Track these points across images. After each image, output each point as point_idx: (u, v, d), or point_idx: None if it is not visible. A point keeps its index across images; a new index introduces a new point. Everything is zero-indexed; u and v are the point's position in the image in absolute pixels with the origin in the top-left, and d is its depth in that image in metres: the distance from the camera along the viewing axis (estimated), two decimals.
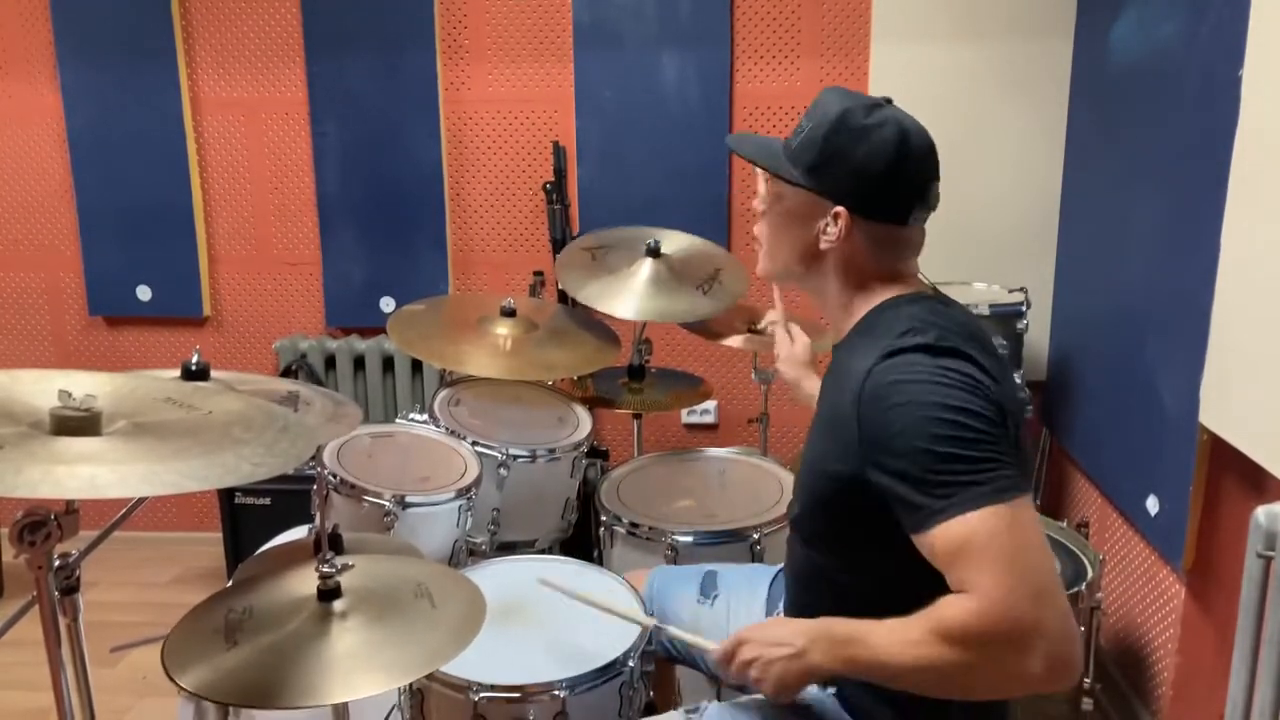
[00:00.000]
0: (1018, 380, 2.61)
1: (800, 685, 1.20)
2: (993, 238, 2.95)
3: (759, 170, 1.38)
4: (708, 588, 1.69)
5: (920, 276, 1.34)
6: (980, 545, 1.06)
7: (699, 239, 2.51)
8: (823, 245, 1.28)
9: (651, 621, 1.54)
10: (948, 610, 1.08)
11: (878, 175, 1.23)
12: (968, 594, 1.07)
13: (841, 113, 1.25)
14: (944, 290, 1.36)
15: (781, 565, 1.72)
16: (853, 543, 1.24)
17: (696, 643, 1.41)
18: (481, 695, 1.47)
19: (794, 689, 1.21)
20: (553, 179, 3.09)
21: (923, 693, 1.14)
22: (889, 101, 1.29)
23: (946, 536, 1.08)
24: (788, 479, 2.23)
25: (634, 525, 2.04)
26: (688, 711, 1.41)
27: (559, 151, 3.08)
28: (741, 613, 1.63)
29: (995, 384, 1.16)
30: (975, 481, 1.08)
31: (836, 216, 1.26)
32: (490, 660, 1.50)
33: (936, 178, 1.27)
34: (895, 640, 1.11)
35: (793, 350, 1.80)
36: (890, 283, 1.30)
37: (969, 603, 1.07)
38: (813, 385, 1.78)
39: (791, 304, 1.98)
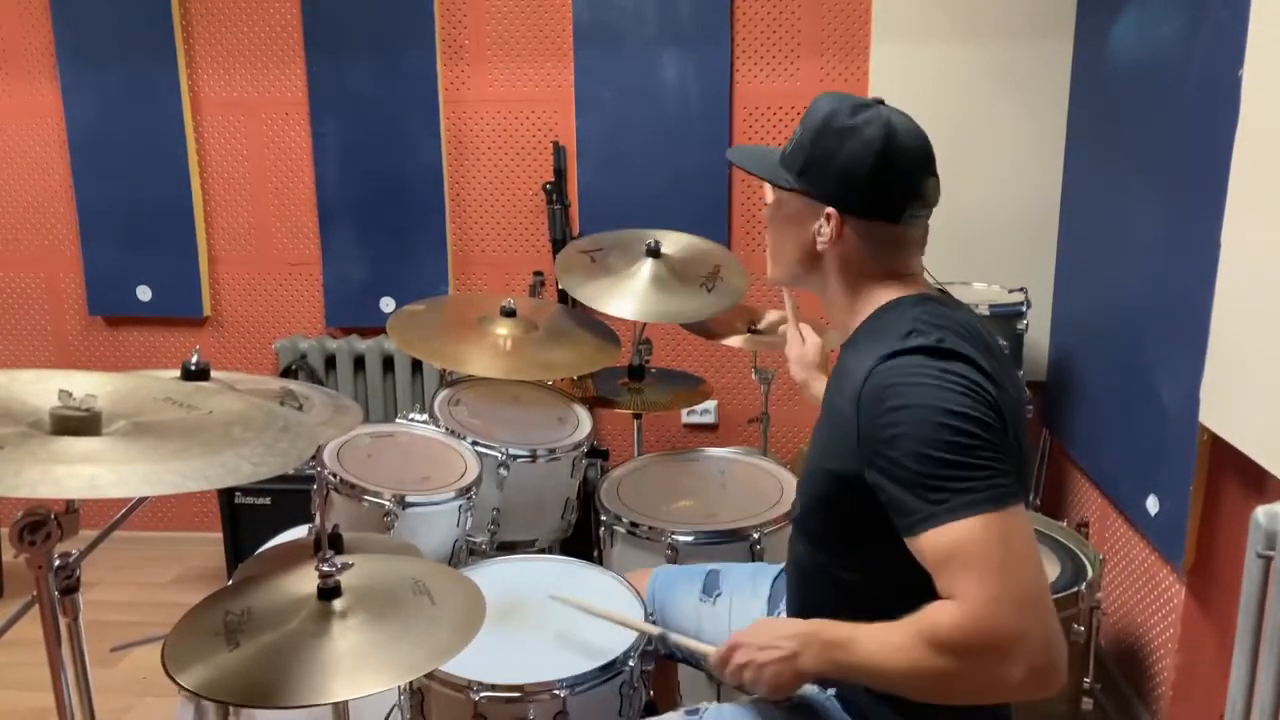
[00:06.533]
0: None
1: (794, 686, 1.21)
2: (993, 238, 2.95)
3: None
4: (710, 587, 1.69)
5: (926, 276, 1.34)
6: (969, 553, 1.07)
7: (696, 238, 2.51)
8: (819, 246, 1.29)
9: (658, 630, 1.54)
10: (934, 616, 1.09)
11: (864, 175, 1.24)
12: (954, 601, 1.08)
13: (828, 114, 1.27)
14: (944, 290, 1.36)
15: (784, 564, 1.72)
16: (854, 541, 1.24)
17: (697, 648, 1.42)
18: (481, 695, 1.47)
19: (788, 690, 1.22)
20: (553, 179, 3.09)
21: (909, 696, 1.15)
22: (880, 102, 1.29)
23: (936, 542, 1.09)
24: (788, 479, 2.23)
25: (634, 525, 2.04)
26: (688, 713, 1.41)
27: (559, 151, 3.08)
28: (743, 611, 1.63)
29: (996, 388, 1.15)
30: (969, 489, 1.08)
31: (828, 218, 1.27)
32: (490, 660, 1.50)
33: (931, 174, 1.27)
34: (882, 645, 1.13)
35: (803, 351, 1.77)
36: (891, 281, 1.30)
37: (954, 610, 1.07)
38: (821, 386, 1.76)
39: (805, 305, 1.94)
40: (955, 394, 1.11)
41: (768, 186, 1.40)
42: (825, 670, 1.18)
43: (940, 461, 1.09)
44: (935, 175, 1.28)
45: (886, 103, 1.30)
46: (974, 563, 1.06)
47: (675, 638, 1.50)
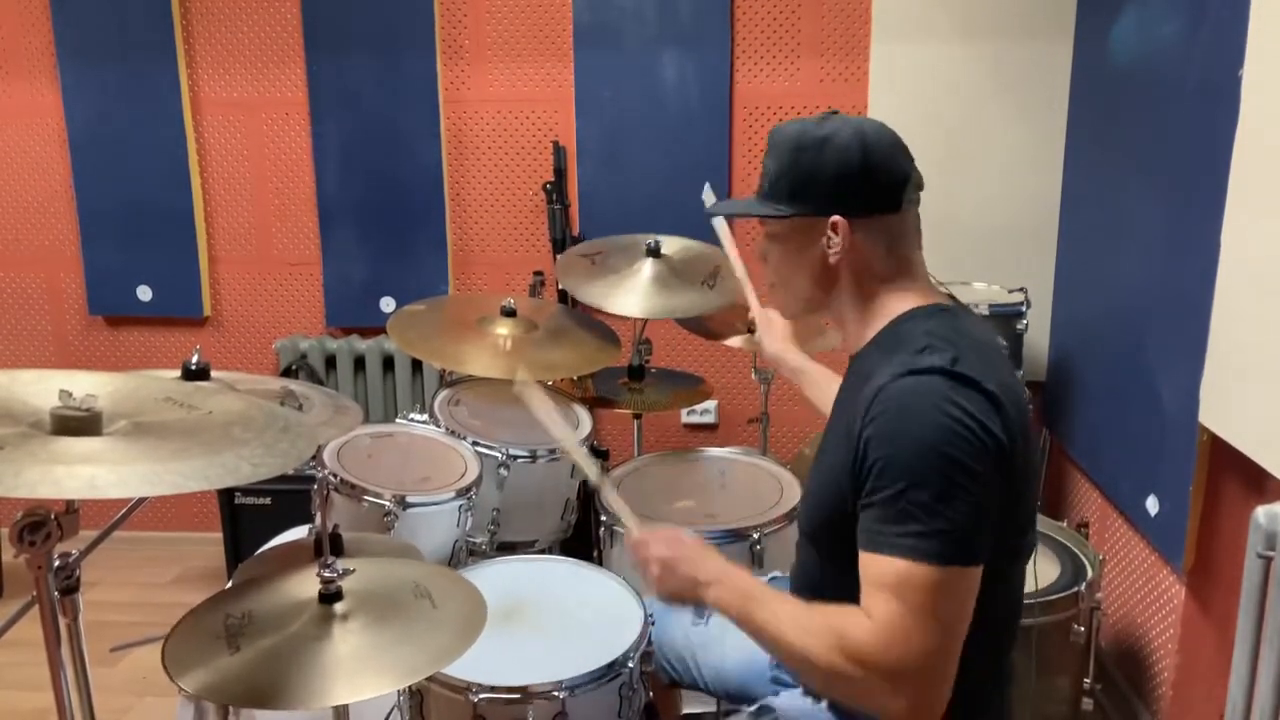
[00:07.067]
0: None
1: (685, 602, 1.31)
2: (993, 238, 2.95)
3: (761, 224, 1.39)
4: (700, 609, 1.70)
5: (933, 279, 1.34)
6: (903, 589, 1.11)
7: (695, 241, 2.52)
8: (832, 259, 1.29)
9: (594, 480, 1.65)
10: (851, 621, 1.14)
11: (855, 174, 1.25)
12: (871, 618, 1.12)
13: (797, 135, 1.29)
14: (953, 296, 1.36)
15: (771, 575, 1.73)
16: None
17: (625, 522, 1.50)
18: (481, 696, 1.47)
19: (676, 601, 1.32)
20: (553, 179, 3.09)
21: (792, 669, 1.25)
22: (834, 112, 1.32)
23: (880, 566, 1.13)
24: (788, 479, 2.23)
25: None
26: (687, 715, 1.42)
27: (559, 151, 3.08)
28: (734, 628, 1.64)
29: (1001, 416, 1.15)
30: (932, 534, 1.10)
31: (835, 227, 1.27)
32: (490, 661, 1.49)
33: (909, 157, 1.30)
34: (793, 621, 1.19)
35: (772, 327, 1.88)
36: (903, 285, 1.30)
37: (869, 627, 1.12)
38: (791, 358, 1.85)
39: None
40: (956, 433, 1.12)
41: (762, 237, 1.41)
42: (724, 610, 1.25)
43: (916, 499, 1.11)
44: (912, 158, 1.30)
45: (838, 112, 1.34)
46: (903, 599, 1.11)
47: (608, 499, 1.60)
